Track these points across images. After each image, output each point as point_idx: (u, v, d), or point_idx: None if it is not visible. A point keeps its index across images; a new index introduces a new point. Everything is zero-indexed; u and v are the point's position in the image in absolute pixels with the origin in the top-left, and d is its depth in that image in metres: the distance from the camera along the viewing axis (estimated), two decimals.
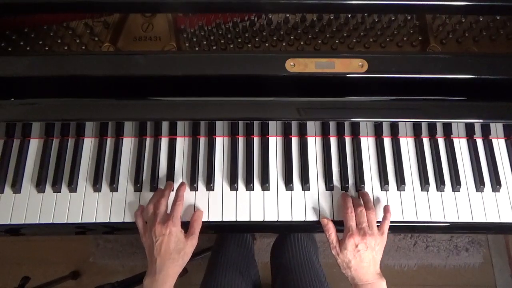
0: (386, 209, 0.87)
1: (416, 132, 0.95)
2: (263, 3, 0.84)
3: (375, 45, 0.94)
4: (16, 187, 0.90)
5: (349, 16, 0.94)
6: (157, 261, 0.77)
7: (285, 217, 0.89)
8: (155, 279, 0.77)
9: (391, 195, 0.91)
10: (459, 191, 0.92)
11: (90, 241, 1.76)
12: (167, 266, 0.77)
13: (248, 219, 0.89)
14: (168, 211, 0.84)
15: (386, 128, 0.96)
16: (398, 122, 0.95)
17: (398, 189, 0.91)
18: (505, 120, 0.90)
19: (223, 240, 1.18)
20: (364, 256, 0.80)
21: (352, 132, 0.95)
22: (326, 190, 0.91)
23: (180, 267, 0.80)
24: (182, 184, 0.88)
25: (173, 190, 0.90)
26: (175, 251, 0.79)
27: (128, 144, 0.95)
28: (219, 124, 0.95)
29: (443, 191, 0.91)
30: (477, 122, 0.93)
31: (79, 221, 0.89)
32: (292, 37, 0.94)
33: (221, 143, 0.95)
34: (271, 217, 0.89)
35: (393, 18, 0.94)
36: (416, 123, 0.95)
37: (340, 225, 0.85)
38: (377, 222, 0.85)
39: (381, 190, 0.92)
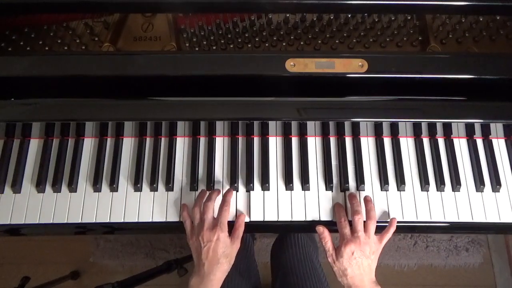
0: (391, 223, 0.86)
1: (416, 132, 0.95)
2: (263, 3, 0.84)
3: (375, 45, 0.94)
4: (16, 187, 0.90)
5: (349, 16, 0.94)
6: (205, 265, 0.80)
7: (285, 217, 0.89)
8: (203, 282, 0.80)
9: (391, 195, 0.91)
10: (459, 191, 0.92)
11: (90, 241, 1.76)
12: (215, 270, 0.80)
13: (248, 219, 0.89)
14: (215, 215, 0.85)
15: (386, 128, 0.95)
16: (398, 122, 0.94)
17: (398, 189, 0.91)
18: (505, 120, 0.90)
19: None
20: (360, 264, 0.80)
21: (352, 132, 0.95)
22: (326, 190, 0.91)
23: (227, 271, 0.82)
24: (229, 190, 0.89)
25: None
26: (222, 256, 0.81)
27: (128, 144, 0.95)
28: (219, 124, 0.95)
29: (443, 191, 0.91)
30: (477, 122, 0.93)
31: (79, 221, 0.89)
32: (292, 37, 0.94)
33: (221, 143, 0.95)
34: (271, 217, 0.89)
35: (393, 18, 0.95)
36: (416, 123, 0.94)
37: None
38: (379, 228, 0.85)
39: (381, 190, 0.91)
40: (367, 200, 0.88)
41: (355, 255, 0.80)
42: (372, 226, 0.83)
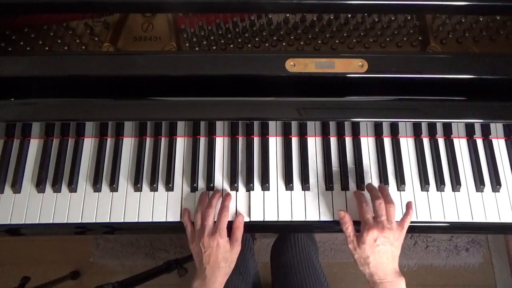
0: (408, 205, 0.85)
1: (416, 132, 0.95)
2: (263, 3, 0.84)
3: (375, 45, 0.94)
4: (16, 187, 0.90)
5: (349, 16, 0.94)
6: (207, 269, 0.81)
7: (285, 217, 0.89)
8: (205, 284, 0.81)
9: (391, 195, 0.91)
10: (459, 191, 0.92)
11: (90, 241, 1.76)
12: (216, 274, 0.81)
13: (248, 219, 0.89)
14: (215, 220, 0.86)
15: (386, 128, 0.95)
16: (398, 122, 0.94)
17: (398, 189, 0.91)
18: (505, 120, 0.90)
19: None
20: (383, 251, 0.77)
21: (352, 132, 0.95)
22: (326, 190, 0.91)
23: (228, 274, 0.83)
24: (227, 194, 0.89)
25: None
26: (222, 260, 0.82)
27: (128, 144, 0.95)
28: (219, 124, 0.95)
29: (443, 191, 0.91)
30: (477, 122, 0.93)
31: (79, 221, 0.89)
32: (292, 37, 0.94)
33: (221, 143, 0.95)
34: (271, 217, 0.89)
35: (393, 18, 0.95)
36: (416, 123, 0.94)
37: (339, 225, 0.85)
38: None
39: None
40: (382, 187, 0.87)
41: (378, 242, 0.76)
42: (393, 211, 0.80)
